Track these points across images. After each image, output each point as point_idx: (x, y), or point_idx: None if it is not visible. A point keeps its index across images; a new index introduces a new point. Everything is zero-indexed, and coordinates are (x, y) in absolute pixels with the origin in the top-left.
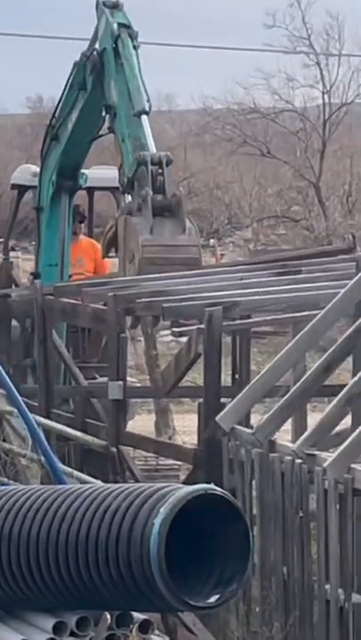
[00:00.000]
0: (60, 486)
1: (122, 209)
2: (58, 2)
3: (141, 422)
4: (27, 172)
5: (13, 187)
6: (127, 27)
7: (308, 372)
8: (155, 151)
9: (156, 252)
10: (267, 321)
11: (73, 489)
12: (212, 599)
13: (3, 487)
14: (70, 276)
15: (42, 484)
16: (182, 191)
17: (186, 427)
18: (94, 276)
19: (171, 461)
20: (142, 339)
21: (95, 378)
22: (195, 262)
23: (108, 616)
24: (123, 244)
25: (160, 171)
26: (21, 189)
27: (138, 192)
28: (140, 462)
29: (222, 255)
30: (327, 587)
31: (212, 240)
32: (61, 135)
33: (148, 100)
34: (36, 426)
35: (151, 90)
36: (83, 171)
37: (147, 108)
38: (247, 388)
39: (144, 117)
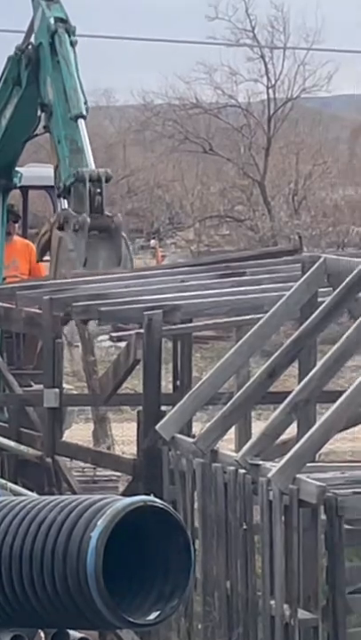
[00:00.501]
0: None
1: (58, 215)
2: None
3: (79, 431)
4: None
5: None
6: (64, 21)
7: (252, 378)
8: (92, 163)
9: None
10: (209, 325)
11: (6, 501)
12: (152, 616)
13: None
14: (4, 279)
15: None
16: (120, 217)
17: (125, 436)
18: (29, 279)
19: (109, 472)
20: (80, 344)
21: (30, 385)
22: None
23: (43, 634)
24: (55, 262)
25: (98, 190)
26: None
27: (75, 214)
28: (77, 473)
29: (163, 257)
30: (272, 602)
31: (152, 241)
32: None
33: (86, 103)
34: None
35: (89, 84)
36: (17, 169)
37: (84, 112)
38: (188, 395)
39: (81, 121)
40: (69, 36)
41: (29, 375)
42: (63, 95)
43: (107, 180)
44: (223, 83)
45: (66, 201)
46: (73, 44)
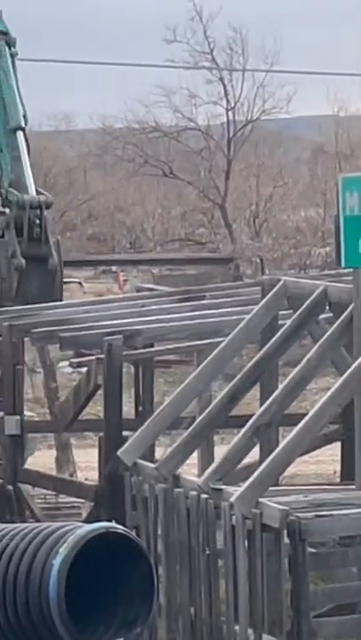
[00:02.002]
0: None
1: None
2: None
3: (42, 458)
4: None
5: None
6: (4, 33)
7: (214, 402)
8: (30, 171)
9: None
10: (170, 349)
11: None
12: None
13: None
14: None
15: None
16: (56, 258)
17: (88, 462)
18: None
19: (72, 499)
20: (41, 370)
21: None
22: None
23: None
24: None
25: (37, 221)
26: None
27: (14, 239)
28: (39, 500)
29: (125, 281)
30: (236, 627)
31: (114, 266)
32: None
33: (25, 115)
34: None
35: (49, 109)
36: None
37: (22, 124)
38: (150, 420)
39: (20, 133)
40: (9, 48)
41: None
42: (2, 107)
43: (47, 207)
44: (182, 106)
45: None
46: (13, 56)
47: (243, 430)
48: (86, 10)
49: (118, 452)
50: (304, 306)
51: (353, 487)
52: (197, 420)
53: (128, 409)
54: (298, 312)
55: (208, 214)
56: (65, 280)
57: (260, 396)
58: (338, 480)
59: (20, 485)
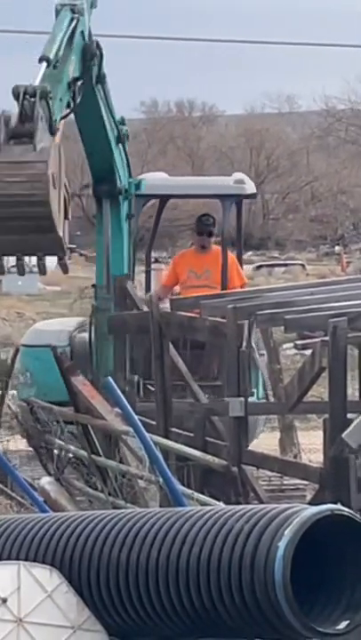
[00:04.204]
0: (179, 509)
1: None
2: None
3: (265, 440)
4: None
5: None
6: None
7: None
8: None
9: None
10: None
11: (193, 511)
12: (342, 625)
13: (119, 511)
14: (194, 288)
15: (160, 506)
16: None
17: (312, 444)
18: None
19: (296, 481)
20: (264, 352)
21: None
22: (40, 178)
23: None
24: None
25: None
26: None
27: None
28: (263, 482)
29: (348, 263)
30: None
31: (337, 247)
32: None
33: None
34: (153, 446)
35: (272, 91)
36: (141, 177)
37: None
38: None
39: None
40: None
41: (210, 387)
42: None
43: (41, 97)
44: None
45: None
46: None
47: None
48: None
49: (343, 435)
50: None
51: None
52: None
53: (351, 391)
54: None
55: None
56: (288, 262)
57: None
58: None
59: (244, 467)
